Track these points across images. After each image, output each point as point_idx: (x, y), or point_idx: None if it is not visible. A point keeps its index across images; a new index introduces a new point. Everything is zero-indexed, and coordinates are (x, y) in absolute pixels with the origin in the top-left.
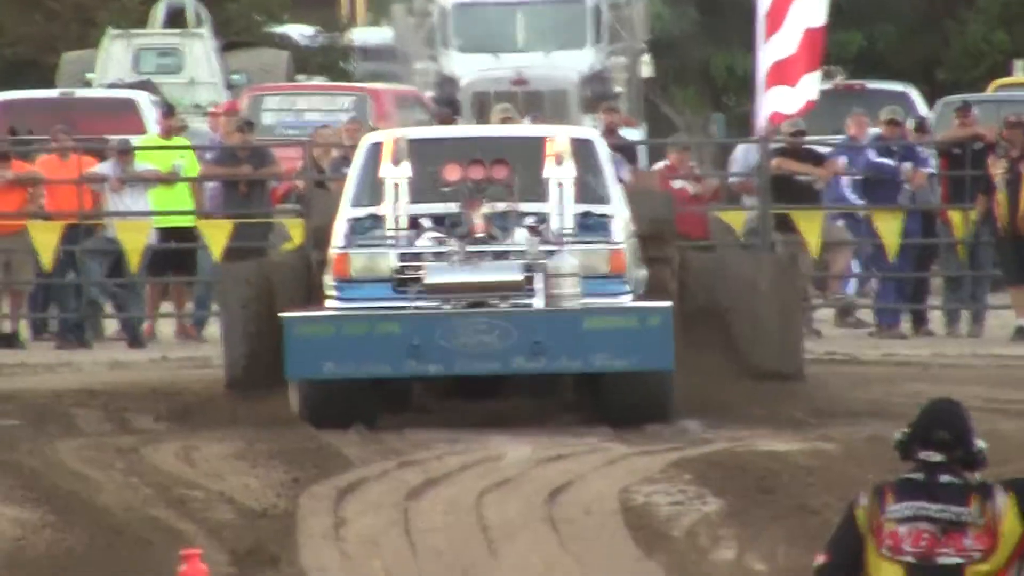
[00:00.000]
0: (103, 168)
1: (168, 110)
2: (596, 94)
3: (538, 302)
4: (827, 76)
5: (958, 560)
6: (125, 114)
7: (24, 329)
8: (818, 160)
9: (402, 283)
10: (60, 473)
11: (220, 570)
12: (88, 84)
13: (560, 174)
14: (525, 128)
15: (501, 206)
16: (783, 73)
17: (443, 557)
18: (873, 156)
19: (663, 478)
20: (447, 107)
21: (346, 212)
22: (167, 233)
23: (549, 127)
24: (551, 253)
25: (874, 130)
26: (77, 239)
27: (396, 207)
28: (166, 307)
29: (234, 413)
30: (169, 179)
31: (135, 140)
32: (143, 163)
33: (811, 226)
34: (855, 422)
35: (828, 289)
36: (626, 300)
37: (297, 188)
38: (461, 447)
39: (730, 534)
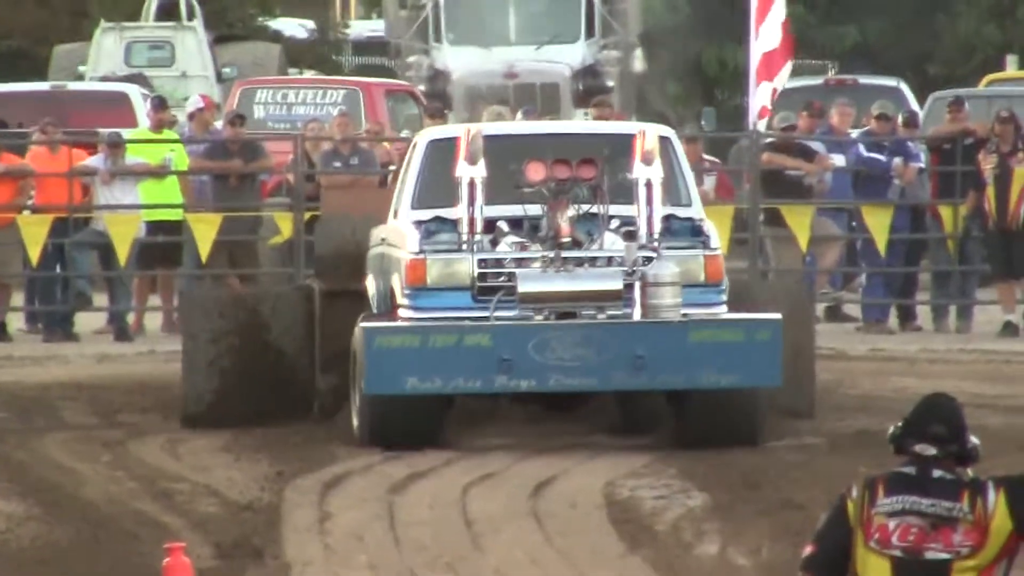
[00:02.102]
0: (93, 161)
1: (159, 103)
2: (588, 88)
3: (636, 313)
4: (818, 71)
5: (946, 556)
6: (117, 108)
7: (13, 322)
8: (809, 155)
9: (483, 291)
10: (46, 466)
11: (205, 563)
12: (80, 77)
13: (649, 174)
14: (607, 125)
15: (587, 209)
16: (769, 66)
17: (427, 551)
18: (863, 151)
19: (648, 472)
20: (438, 102)
21: (408, 215)
22: (155, 226)
23: (633, 123)
24: (648, 260)
25: (858, 130)
26: (66, 232)
27: (472, 209)
28: (154, 300)
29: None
30: (159, 172)
31: (126, 134)
32: (133, 156)
33: (800, 221)
34: (842, 417)
35: (816, 285)
36: (722, 311)
37: (287, 181)
38: (445, 441)
39: (714, 529)
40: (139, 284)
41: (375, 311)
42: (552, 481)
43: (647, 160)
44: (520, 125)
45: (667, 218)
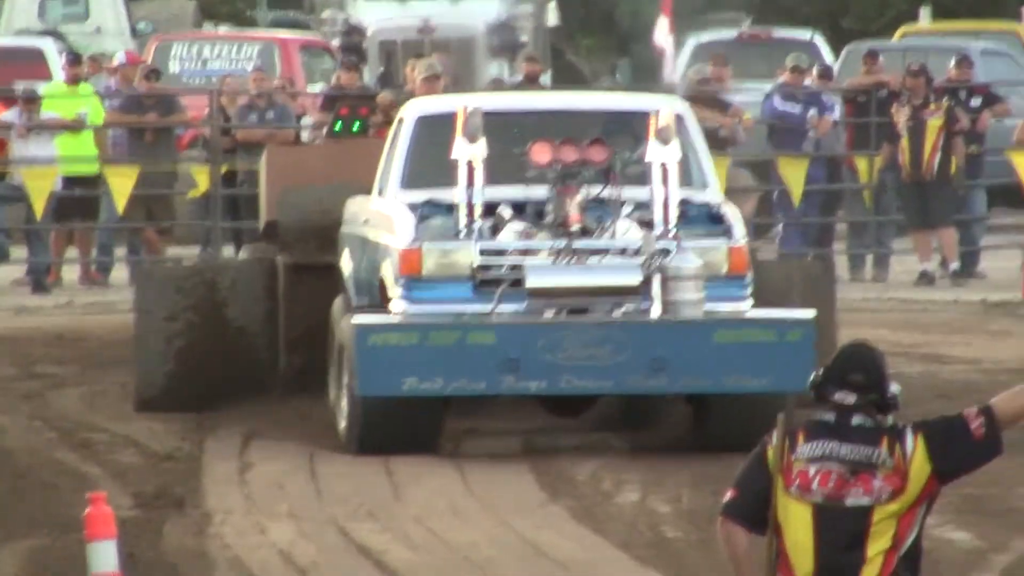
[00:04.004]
0: (9, 116)
1: (74, 58)
2: (502, 42)
3: (655, 310)
4: (732, 23)
5: (866, 501)
6: (33, 62)
7: None
8: (723, 108)
9: (485, 283)
10: None
11: (125, 513)
12: None
13: (665, 155)
14: (616, 98)
15: (598, 193)
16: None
17: (349, 501)
18: (778, 103)
19: (567, 422)
20: (353, 56)
21: (398, 196)
22: (72, 180)
23: (646, 97)
24: (667, 251)
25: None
26: None
27: (471, 192)
28: (71, 253)
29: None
30: (74, 127)
31: (41, 88)
32: (49, 111)
33: (716, 172)
34: None
35: None
36: (746, 306)
37: (203, 135)
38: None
39: (634, 478)
40: (56, 237)
41: (353, 297)
42: (473, 432)
43: (663, 139)
44: (523, 99)
45: (682, 203)
